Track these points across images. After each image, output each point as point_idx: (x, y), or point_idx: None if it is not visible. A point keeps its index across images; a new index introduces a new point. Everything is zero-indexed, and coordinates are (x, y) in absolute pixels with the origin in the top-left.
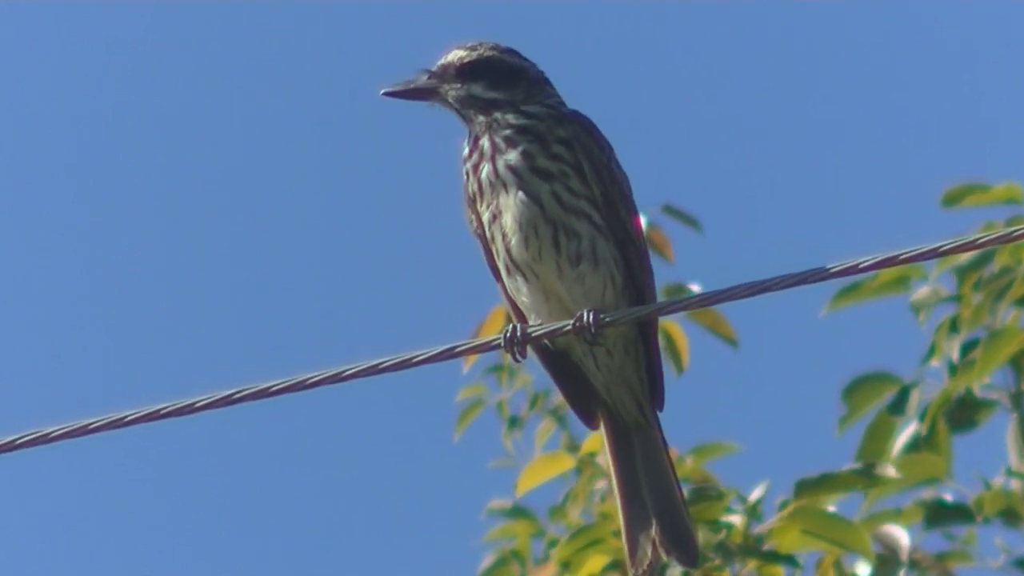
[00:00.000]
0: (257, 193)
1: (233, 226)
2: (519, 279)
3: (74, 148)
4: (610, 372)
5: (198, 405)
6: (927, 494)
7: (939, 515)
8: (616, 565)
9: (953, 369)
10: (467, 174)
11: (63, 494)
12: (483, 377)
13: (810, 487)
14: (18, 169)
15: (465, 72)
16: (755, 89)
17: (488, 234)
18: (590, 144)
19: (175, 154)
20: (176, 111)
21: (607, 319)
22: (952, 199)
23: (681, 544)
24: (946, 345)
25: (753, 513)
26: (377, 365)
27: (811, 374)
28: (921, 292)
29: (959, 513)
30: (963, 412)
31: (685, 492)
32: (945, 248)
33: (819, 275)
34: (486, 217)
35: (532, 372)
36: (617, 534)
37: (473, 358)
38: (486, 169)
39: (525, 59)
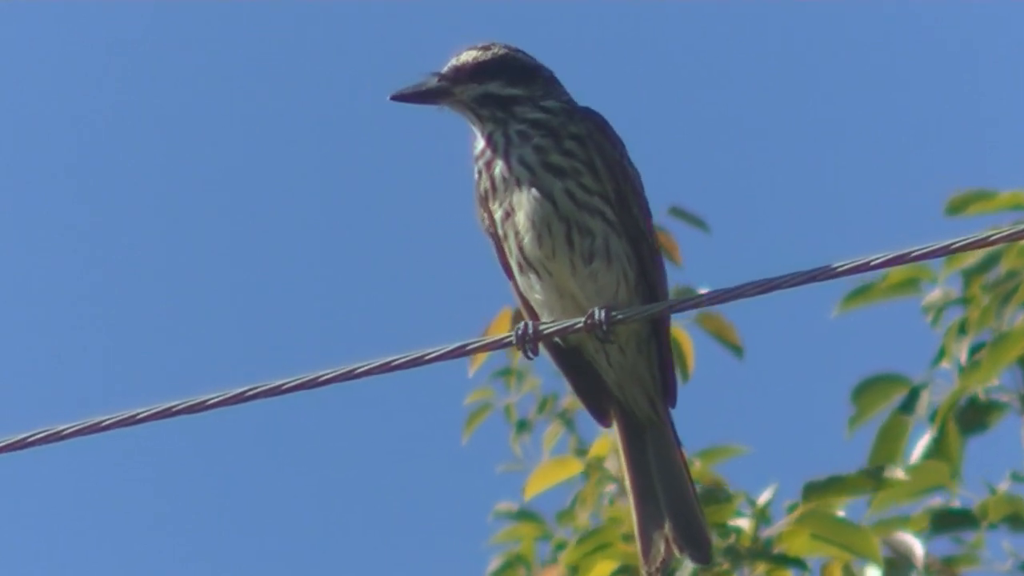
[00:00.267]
0: (267, 192)
1: (243, 225)
2: (532, 277)
3: (74, 148)
4: (622, 369)
5: (209, 403)
6: (934, 500)
7: (945, 521)
8: (624, 570)
9: (962, 371)
10: (479, 172)
11: (64, 494)
12: (491, 381)
13: (818, 490)
14: (19, 169)
15: (481, 72)
16: (762, 91)
17: (501, 232)
18: (602, 141)
19: (184, 152)
20: (176, 111)
21: (619, 316)
22: (957, 207)
23: (694, 541)
24: (955, 347)
25: (762, 516)
26: (389, 363)
27: (820, 376)
28: (934, 295)
29: (964, 519)
30: (974, 414)
31: None
32: (956, 246)
33: (829, 273)
34: (499, 215)
35: (540, 376)
36: (626, 538)
37: (480, 360)
38: (499, 166)
39: (536, 60)
